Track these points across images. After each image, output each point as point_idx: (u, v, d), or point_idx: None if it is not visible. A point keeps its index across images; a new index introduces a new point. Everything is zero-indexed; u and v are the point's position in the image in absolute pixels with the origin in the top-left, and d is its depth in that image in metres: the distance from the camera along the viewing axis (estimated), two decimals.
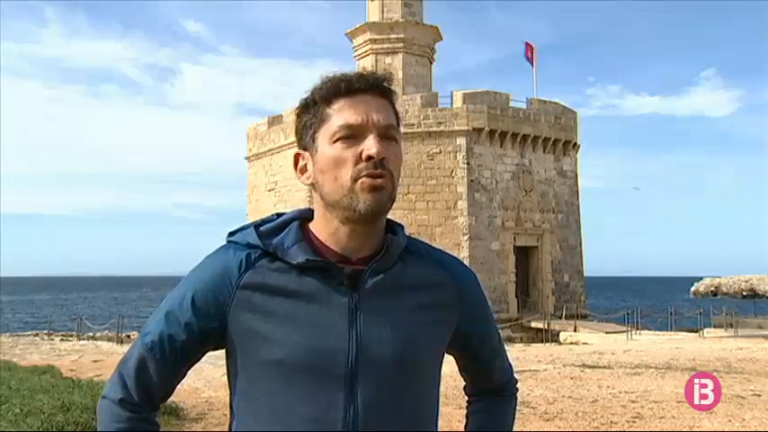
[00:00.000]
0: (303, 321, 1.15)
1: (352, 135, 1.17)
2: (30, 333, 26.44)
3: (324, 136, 1.19)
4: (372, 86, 1.21)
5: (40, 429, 5.29)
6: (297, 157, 1.26)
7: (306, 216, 1.27)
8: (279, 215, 1.30)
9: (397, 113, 1.25)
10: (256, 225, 1.26)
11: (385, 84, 1.23)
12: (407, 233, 1.32)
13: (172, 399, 8.45)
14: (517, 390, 1.48)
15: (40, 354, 15.90)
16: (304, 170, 1.24)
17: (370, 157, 1.15)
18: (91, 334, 25.99)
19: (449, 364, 1.47)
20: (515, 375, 1.49)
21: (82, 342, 21.12)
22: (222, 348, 1.24)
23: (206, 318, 1.19)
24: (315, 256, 1.18)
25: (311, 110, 1.22)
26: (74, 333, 25.80)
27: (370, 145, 1.16)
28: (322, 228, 1.23)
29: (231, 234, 1.27)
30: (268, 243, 1.21)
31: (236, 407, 1.22)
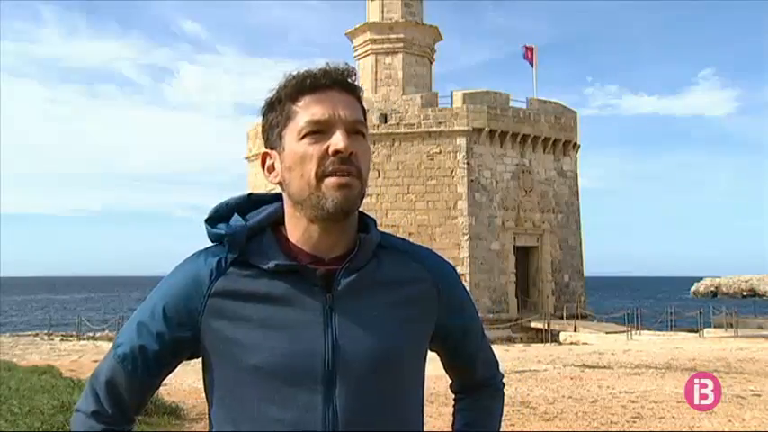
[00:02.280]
0: (278, 325, 1.14)
1: (319, 131, 1.15)
2: (30, 333, 26.44)
3: (291, 133, 1.18)
4: (338, 82, 1.19)
5: (40, 429, 5.28)
6: (264, 156, 1.24)
7: (278, 217, 1.25)
8: (254, 200, 1.27)
9: (363, 109, 1.24)
10: (246, 226, 1.21)
11: (350, 79, 1.21)
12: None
13: (172, 399, 8.39)
14: (503, 384, 1.44)
15: (40, 354, 15.91)
16: (272, 169, 1.22)
17: (337, 152, 1.13)
18: (91, 334, 26.01)
19: None
20: (501, 370, 1.46)
21: (82, 342, 21.15)
22: (197, 357, 1.22)
23: (178, 327, 1.17)
24: (286, 260, 1.16)
25: (277, 108, 1.20)
26: (74, 333, 25.84)
27: (337, 140, 1.14)
28: (293, 228, 1.21)
29: (212, 222, 1.23)
30: (242, 248, 1.19)
31: (215, 414, 1.20)
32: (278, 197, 1.28)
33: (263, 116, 1.24)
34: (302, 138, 1.16)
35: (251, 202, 1.27)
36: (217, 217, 1.24)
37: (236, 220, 1.22)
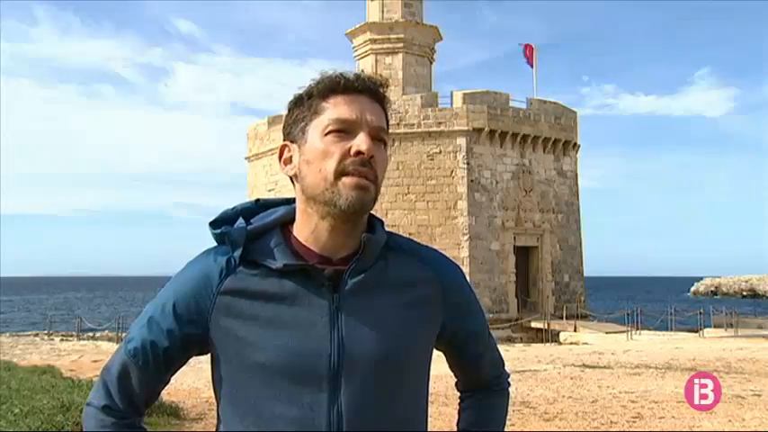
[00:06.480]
0: (285, 324, 1.16)
1: (343, 130, 1.18)
2: (30, 333, 26.43)
3: (315, 128, 1.20)
4: (369, 89, 1.23)
5: (40, 429, 5.28)
6: (283, 148, 1.27)
7: (288, 218, 1.27)
8: (261, 205, 1.30)
9: (387, 120, 1.27)
10: (248, 226, 1.24)
11: (381, 89, 1.25)
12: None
13: (172, 399, 8.41)
14: (509, 384, 1.46)
15: (40, 354, 15.91)
16: (288, 161, 1.25)
17: (359, 153, 1.16)
18: (91, 334, 26.02)
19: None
20: (507, 370, 1.47)
21: (82, 342, 21.14)
22: (206, 354, 1.24)
23: (188, 324, 1.19)
24: (294, 260, 1.18)
25: (305, 103, 1.23)
26: (74, 333, 25.83)
27: (360, 141, 1.17)
28: (302, 226, 1.23)
29: (215, 224, 1.26)
30: (250, 248, 1.21)
31: (222, 411, 1.22)
32: (286, 201, 1.31)
33: (289, 111, 1.26)
34: (326, 134, 1.19)
35: (259, 207, 1.30)
36: (222, 220, 1.27)
37: (239, 222, 1.24)
